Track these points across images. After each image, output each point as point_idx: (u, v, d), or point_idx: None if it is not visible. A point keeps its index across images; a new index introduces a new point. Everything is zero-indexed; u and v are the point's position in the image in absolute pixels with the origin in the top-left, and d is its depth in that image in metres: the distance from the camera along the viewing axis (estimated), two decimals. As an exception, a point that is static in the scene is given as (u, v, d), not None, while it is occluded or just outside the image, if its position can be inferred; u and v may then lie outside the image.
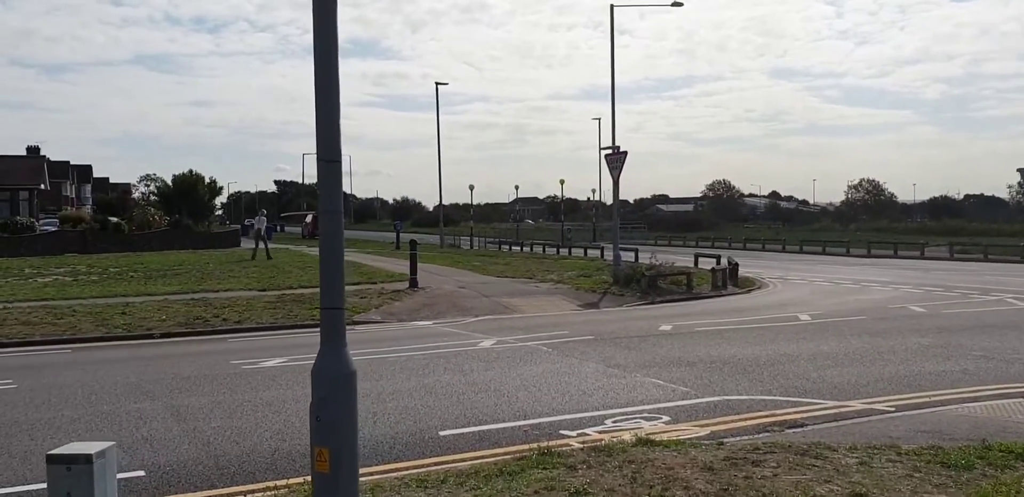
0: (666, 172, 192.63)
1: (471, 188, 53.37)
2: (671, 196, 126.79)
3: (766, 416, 8.22)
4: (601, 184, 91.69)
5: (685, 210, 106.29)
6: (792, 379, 9.98)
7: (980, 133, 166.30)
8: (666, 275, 21.83)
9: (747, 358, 11.37)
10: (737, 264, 24.84)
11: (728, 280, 23.36)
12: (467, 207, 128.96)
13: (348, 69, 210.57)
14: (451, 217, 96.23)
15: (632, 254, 34.46)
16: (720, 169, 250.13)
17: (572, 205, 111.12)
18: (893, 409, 8.41)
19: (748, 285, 23.90)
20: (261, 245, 32.44)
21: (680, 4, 27.72)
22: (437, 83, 47.00)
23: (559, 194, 72.25)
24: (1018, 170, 34.80)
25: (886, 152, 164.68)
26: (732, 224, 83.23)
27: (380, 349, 12.39)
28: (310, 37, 4.14)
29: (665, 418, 8.14)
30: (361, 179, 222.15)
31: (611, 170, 22.39)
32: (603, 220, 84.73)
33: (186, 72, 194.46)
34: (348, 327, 4.67)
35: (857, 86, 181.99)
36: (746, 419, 8.11)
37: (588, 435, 7.50)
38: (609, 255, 34.37)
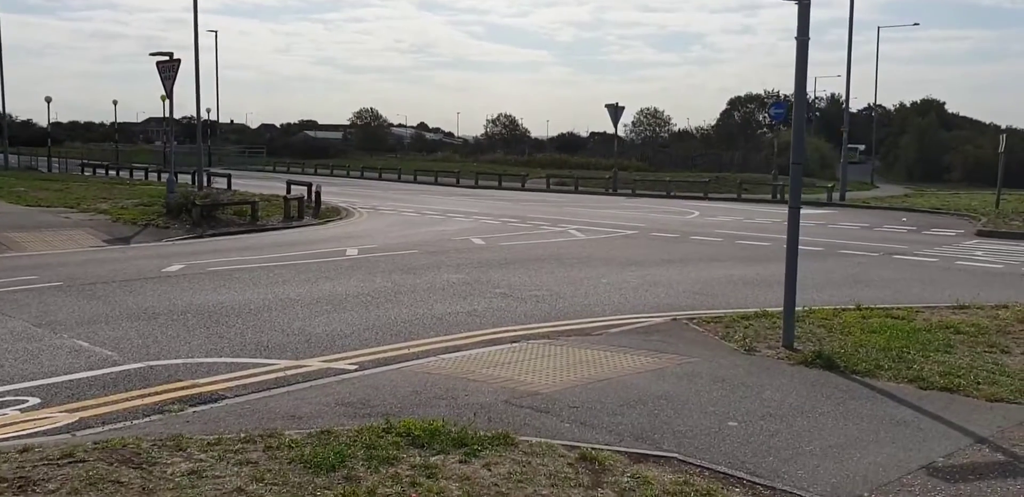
0: (316, 97, 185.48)
1: (48, 101, 45.74)
2: (320, 122, 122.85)
3: (184, 387, 6.41)
4: (218, 102, 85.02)
5: (334, 137, 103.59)
6: (267, 332, 8.28)
7: (606, 75, 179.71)
8: (225, 204, 19.37)
9: (235, 305, 9.52)
10: (319, 193, 23.04)
11: (306, 210, 21.52)
12: (89, 126, 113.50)
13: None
14: (57, 137, 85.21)
15: (225, 180, 31.54)
16: (372, 98, 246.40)
17: (217, 128, 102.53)
18: (355, 367, 7.02)
19: (331, 215, 22.25)
20: None
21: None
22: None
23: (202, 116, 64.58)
24: (606, 106, 36.33)
25: (524, 89, 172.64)
26: (377, 154, 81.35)
27: None
28: None
29: (33, 401, 6.00)
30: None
31: (163, 80, 19.19)
32: (224, 143, 79.40)
33: None
34: None
35: (499, 24, 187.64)
36: (153, 394, 6.24)
37: None
38: (218, 183, 31.02)
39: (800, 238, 7.79)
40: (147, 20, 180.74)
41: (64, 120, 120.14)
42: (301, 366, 7.08)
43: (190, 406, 5.92)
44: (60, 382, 6.46)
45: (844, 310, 9.34)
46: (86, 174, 40.13)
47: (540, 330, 8.63)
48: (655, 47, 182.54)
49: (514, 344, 7.93)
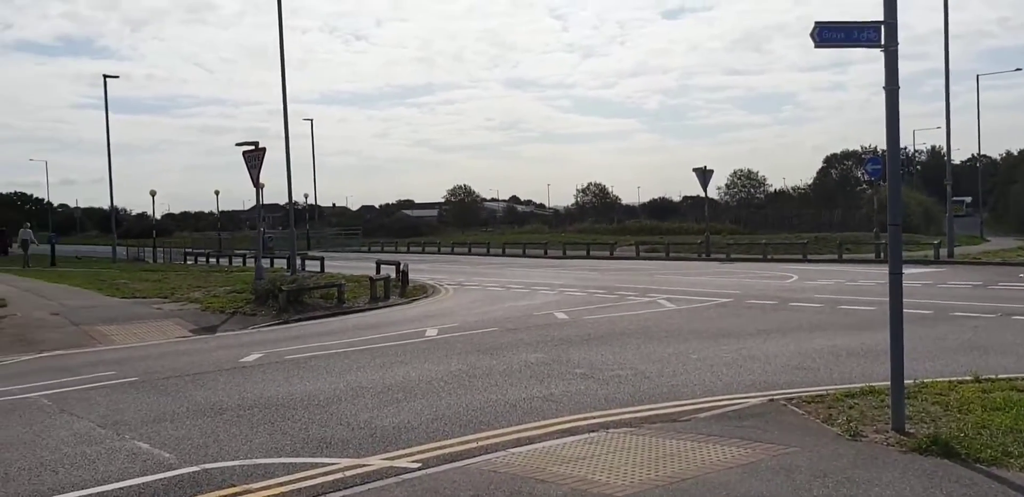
0: (413, 178, 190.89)
1: (152, 194, 47.90)
2: (417, 201, 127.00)
3: (235, 494, 6.01)
4: (316, 187, 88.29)
5: (430, 215, 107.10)
6: (331, 426, 7.89)
7: (695, 140, 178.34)
8: (311, 288, 19.42)
9: (304, 396, 9.20)
10: (406, 272, 23.01)
11: (392, 290, 21.44)
12: (199, 216, 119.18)
13: (58, 69, 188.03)
14: (167, 228, 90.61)
15: (318, 262, 31.87)
16: (465, 175, 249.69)
17: (318, 212, 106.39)
18: (418, 465, 6.52)
19: (418, 293, 22.11)
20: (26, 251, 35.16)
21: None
22: (105, 76, 41.66)
23: (300, 201, 67.35)
24: (693, 170, 35.90)
25: (613, 158, 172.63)
26: (470, 229, 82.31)
27: None
28: None
29: (75, 514, 5.69)
30: (83, 188, 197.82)
31: (250, 169, 19.68)
32: (325, 226, 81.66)
33: None
34: None
35: (585, 96, 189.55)
36: (201, 503, 5.85)
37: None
38: (312, 266, 31.56)
39: (906, 301, 7.02)
40: (252, 113, 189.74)
41: (176, 211, 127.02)
42: (362, 465, 6.62)
43: (238, 516, 5.52)
44: (110, 490, 6.15)
45: (961, 383, 8.39)
46: (188, 263, 41.45)
47: (622, 416, 7.98)
48: (744, 109, 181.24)
49: (591, 434, 7.31)
